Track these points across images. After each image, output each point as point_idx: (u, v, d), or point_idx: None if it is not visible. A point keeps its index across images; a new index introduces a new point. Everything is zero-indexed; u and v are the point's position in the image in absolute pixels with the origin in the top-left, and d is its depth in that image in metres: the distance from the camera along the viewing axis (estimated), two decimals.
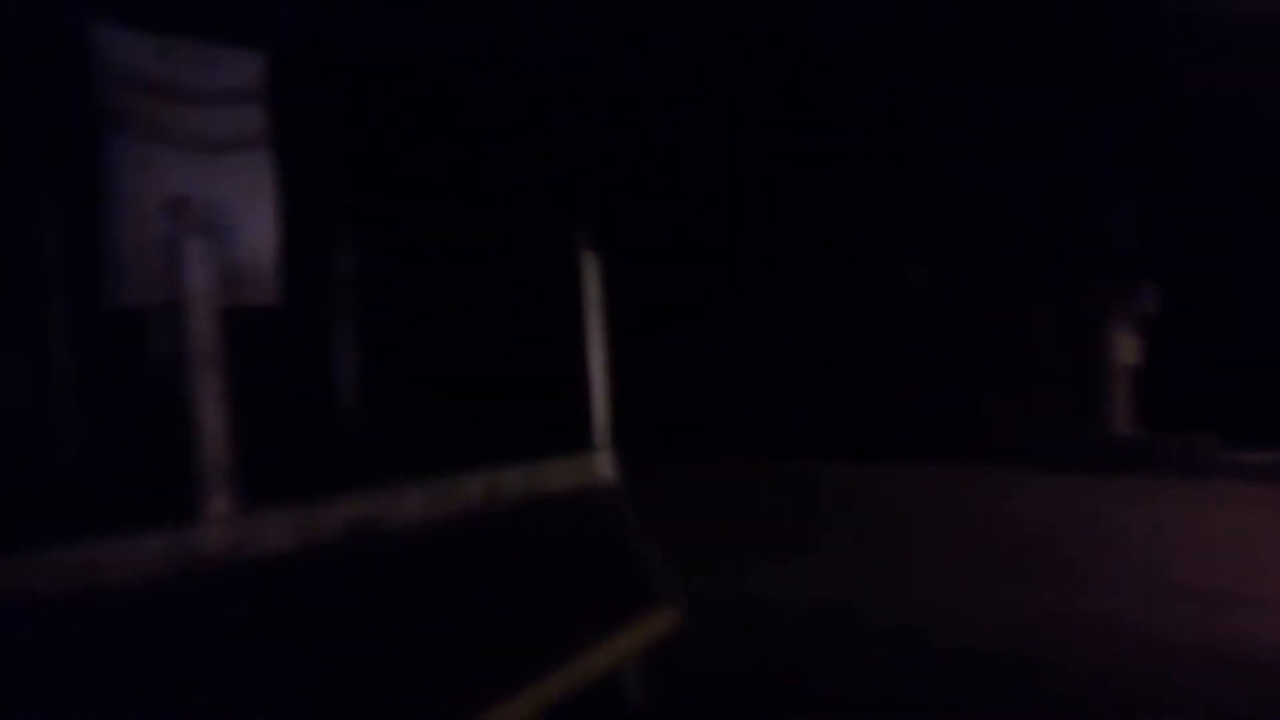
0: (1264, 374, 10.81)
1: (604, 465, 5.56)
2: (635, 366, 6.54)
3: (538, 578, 4.12)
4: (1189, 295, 11.43)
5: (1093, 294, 11.94)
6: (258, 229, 4.64)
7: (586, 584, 4.28)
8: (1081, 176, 11.91)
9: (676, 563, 5.06)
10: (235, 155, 4.67)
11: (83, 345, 4.91)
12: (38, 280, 5.02)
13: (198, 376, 4.08)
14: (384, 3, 7.15)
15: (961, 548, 8.14)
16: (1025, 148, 11.82)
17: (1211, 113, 11.06)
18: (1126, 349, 11.97)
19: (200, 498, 3.88)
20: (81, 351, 4.87)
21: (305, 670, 3.43)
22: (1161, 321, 11.73)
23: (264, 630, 3.46)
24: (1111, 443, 11.56)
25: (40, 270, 5.03)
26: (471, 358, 7.11)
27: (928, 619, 6.30)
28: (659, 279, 11.56)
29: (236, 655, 3.35)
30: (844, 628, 6.23)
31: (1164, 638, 5.81)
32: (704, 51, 10.92)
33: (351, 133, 6.63)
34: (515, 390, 6.90)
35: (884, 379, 12.18)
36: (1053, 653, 5.62)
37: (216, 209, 4.48)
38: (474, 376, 6.98)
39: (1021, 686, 5.20)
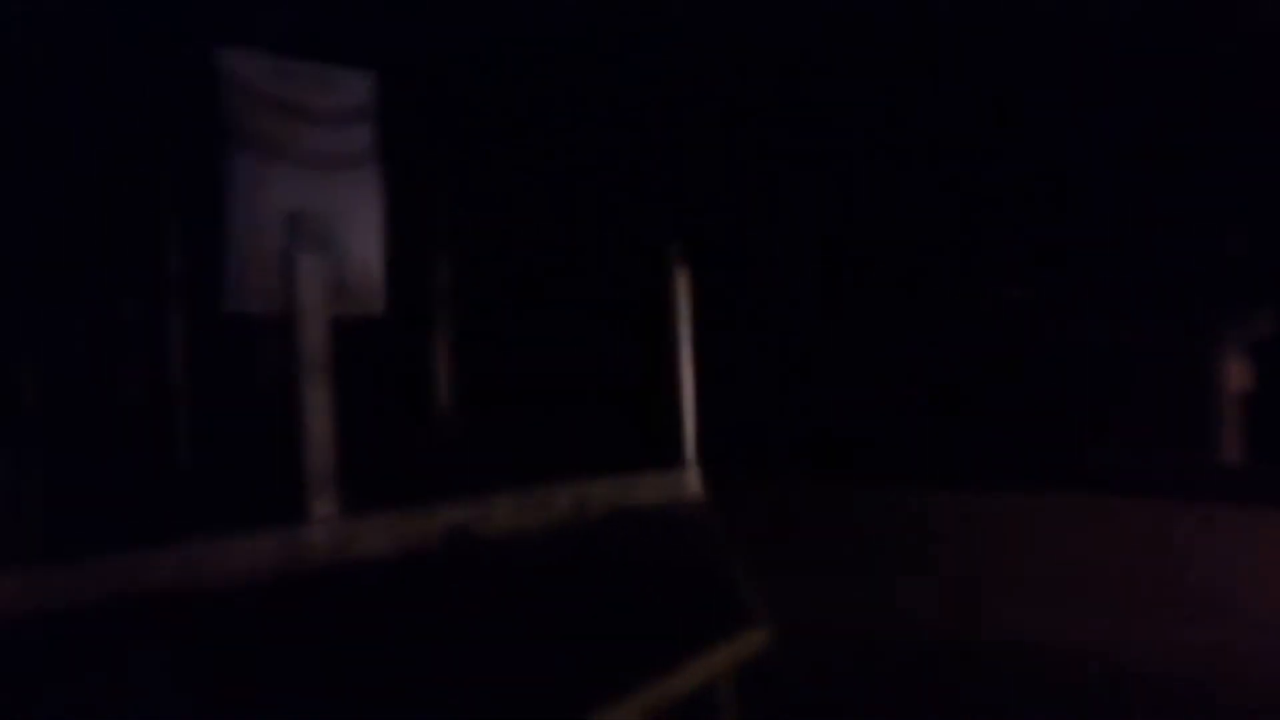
0: None
1: (693, 481, 5.58)
2: (726, 382, 6.54)
3: (629, 590, 4.16)
4: None
5: (1203, 315, 11.48)
6: (366, 243, 4.81)
7: (677, 598, 4.31)
8: (1195, 194, 11.48)
9: (771, 583, 5.05)
10: (347, 172, 4.85)
11: (198, 351, 5.16)
12: (159, 288, 5.31)
13: (306, 384, 4.25)
14: (483, 27, 7.34)
15: (1089, 577, 7.89)
16: (1135, 162, 11.46)
17: None
18: (1238, 375, 11.47)
19: (306, 500, 4.04)
20: (197, 357, 5.12)
21: (402, 669, 3.53)
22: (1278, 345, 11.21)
23: (364, 629, 3.57)
24: (1219, 472, 11.09)
25: (162, 279, 5.31)
26: (564, 369, 7.21)
27: (1050, 647, 6.12)
28: (751, 293, 11.55)
29: (337, 652, 3.47)
30: (959, 658, 6.08)
31: None
32: (799, 68, 10.90)
33: (451, 150, 6.82)
34: (606, 402, 6.97)
35: (985, 402, 11.92)
36: (1228, 684, 5.40)
37: (328, 223, 4.67)
38: (566, 387, 7.08)
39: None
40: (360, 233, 4.84)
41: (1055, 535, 9.49)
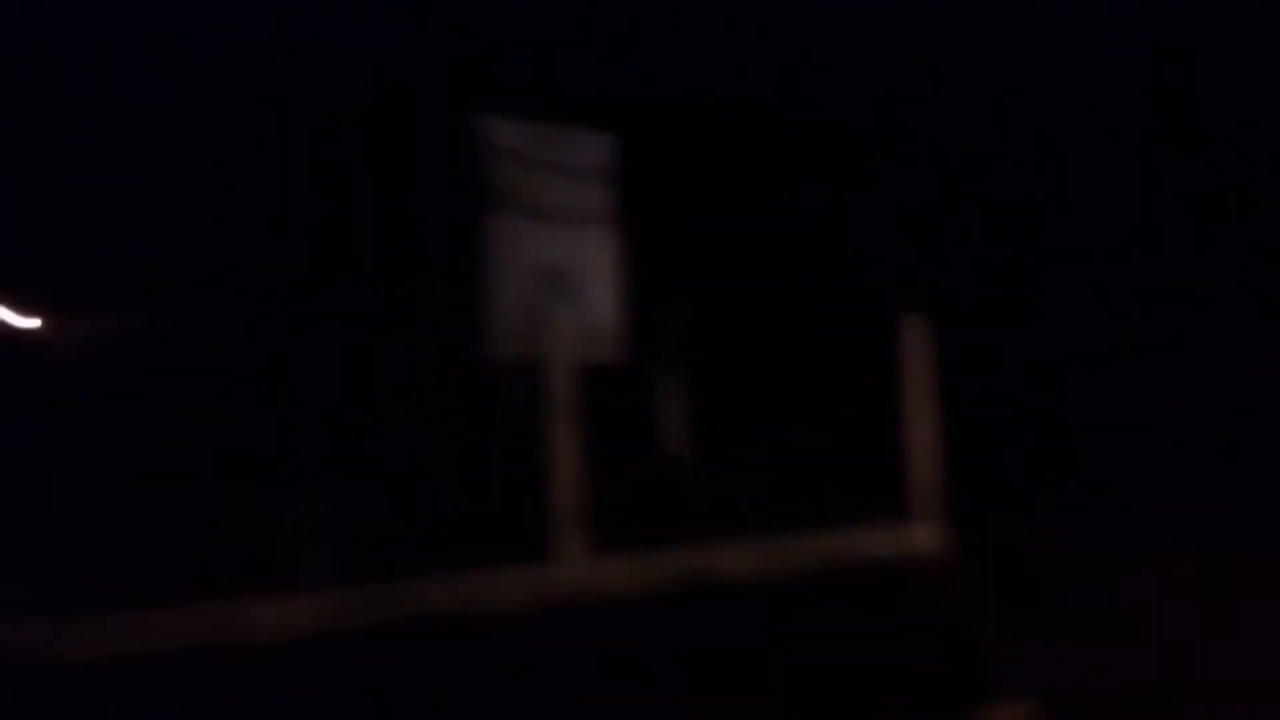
0: None
1: (932, 535, 5.38)
2: (960, 435, 6.29)
3: (868, 648, 4.04)
4: None
5: None
6: (607, 294, 5.04)
7: (922, 660, 4.13)
8: None
9: (1027, 647, 4.73)
10: (589, 227, 5.12)
11: (452, 394, 5.53)
12: (417, 336, 5.73)
13: (554, 428, 4.45)
14: (717, 88, 7.54)
15: None
16: None
17: None
18: None
19: (553, 540, 4.21)
20: (452, 400, 5.48)
21: (643, 702, 3.57)
22: None
23: (610, 662, 3.65)
24: None
25: (419, 327, 5.74)
26: (799, 419, 7.18)
27: None
28: (979, 343, 11.05)
29: (587, 683, 3.56)
30: None
31: None
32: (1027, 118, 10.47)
33: (688, 205, 7.02)
34: (842, 453, 6.86)
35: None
36: None
37: (575, 276, 4.93)
38: (802, 437, 7.04)
39: None
40: (603, 284, 5.06)
41: None
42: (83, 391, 5.50)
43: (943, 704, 3.74)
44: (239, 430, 5.60)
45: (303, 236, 5.75)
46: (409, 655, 3.12)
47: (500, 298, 4.62)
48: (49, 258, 5.47)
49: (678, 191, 6.83)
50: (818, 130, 8.18)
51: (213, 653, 3.40)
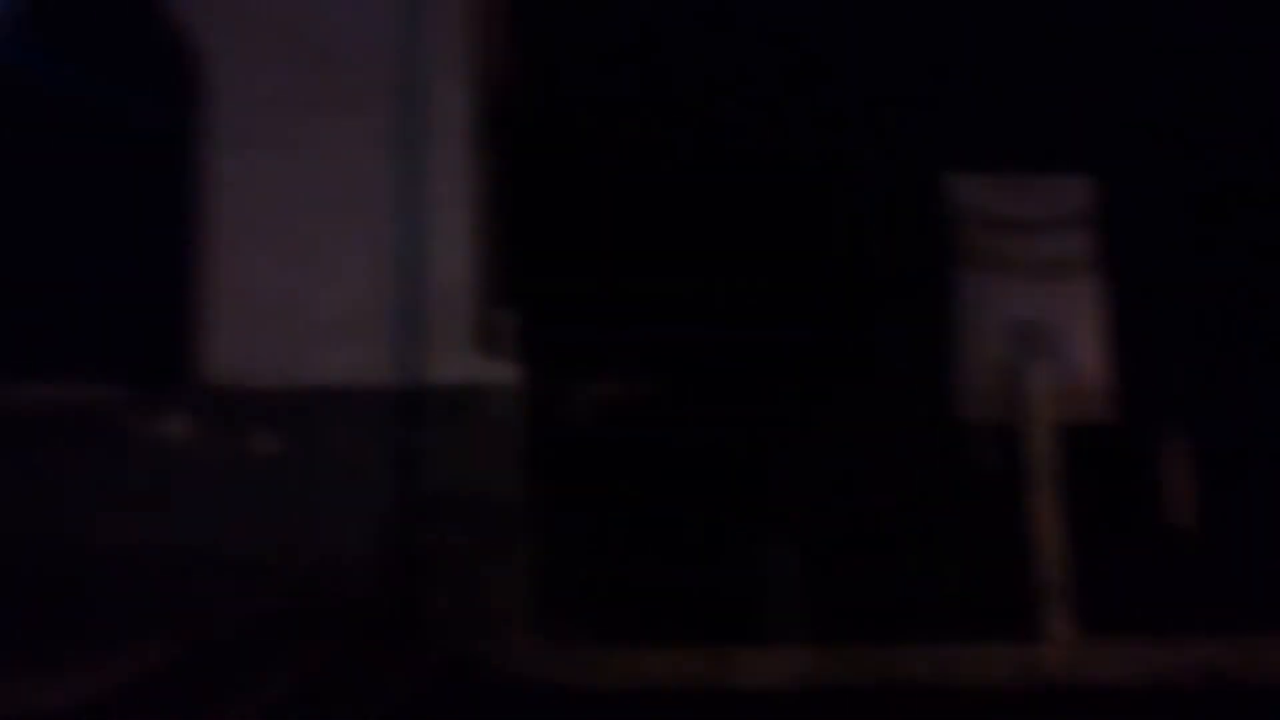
0: None
1: None
2: None
3: None
4: None
5: None
6: (1087, 348, 4.67)
7: None
8: None
9: None
10: (1065, 279, 4.80)
11: (925, 457, 5.45)
12: (887, 397, 5.74)
13: (1034, 493, 4.19)
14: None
15: None
16: None
17: None
18: None
19: (1038, 616, 3.94)
20: (924, 463, 5.40)
21: None
22: None
23: None
24: None
25: (888, 388, 5.74)
26: None
27: None
28: None
29: None
30: None
31: None
32: None
33: (1174, 248, 6.29)
34: None
35: None
36: None
37: (1051, 331, 4.64)
38: None
39: None
40: (1081, 338, 4.71)
41: None
42: (592, 444, 6.27)
43: None
44: (725, 481, 6.01)
45: (770, 300, 6.09)
46: None
47: (969, 357, 4.49)
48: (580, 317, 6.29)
49: (1167, 235, 6.14)
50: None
51: (694, 697, 3.66)
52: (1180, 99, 6.17)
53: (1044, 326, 4.68)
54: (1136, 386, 5.30)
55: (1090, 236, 4.87)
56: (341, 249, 4.27)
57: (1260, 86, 6.33)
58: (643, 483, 5.85)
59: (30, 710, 2.67)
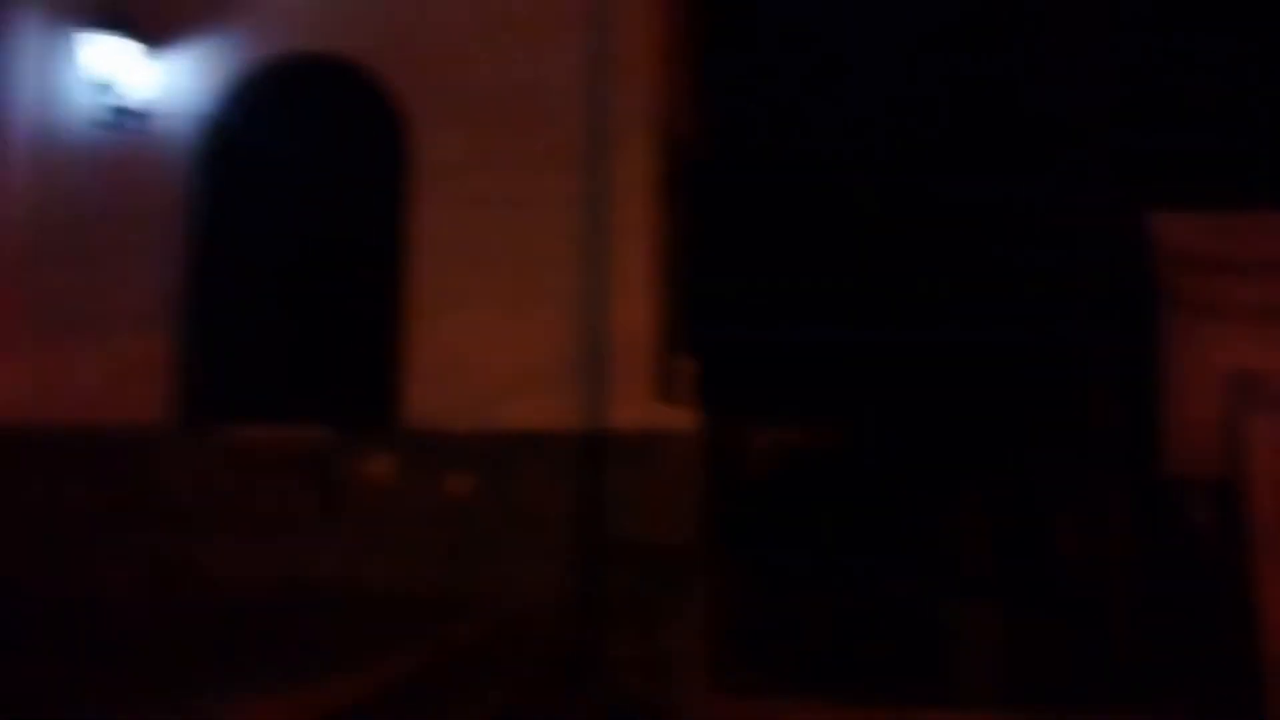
0: None
1: None
2: None
3: None
4: None
5: None
6: None
7: None
8: None
9: None
10: None
11: (1128, 517, 5.05)
12: (1087, 448, 5.38)
13: (1258, 556, 3.82)
14: None
15: None
16: None
17: None
18: None
19: (1262, 695, 3.57)
20: (1128, 524, 5.01)
21: None
22: None
23: None
24: None
25: (1090, 439, 5.37)
26: None
27: None
28: None
29: None
30: None
31: None
32: None
33: None
34: None
35: None
36: None
37: (1271, 379, 4.24)
38: None
39: None
40: None
41: None
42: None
43: None
44: (910, 534, 5.81)
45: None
46: None
47: (1181, 409, 4.18)
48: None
49: None
50: None
51: None
52: None
53: (1269, 375, 4.30)
54: None
55: None
56: (533, 301, 4.47)
57: None
58: (823, 530, 5.74)
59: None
